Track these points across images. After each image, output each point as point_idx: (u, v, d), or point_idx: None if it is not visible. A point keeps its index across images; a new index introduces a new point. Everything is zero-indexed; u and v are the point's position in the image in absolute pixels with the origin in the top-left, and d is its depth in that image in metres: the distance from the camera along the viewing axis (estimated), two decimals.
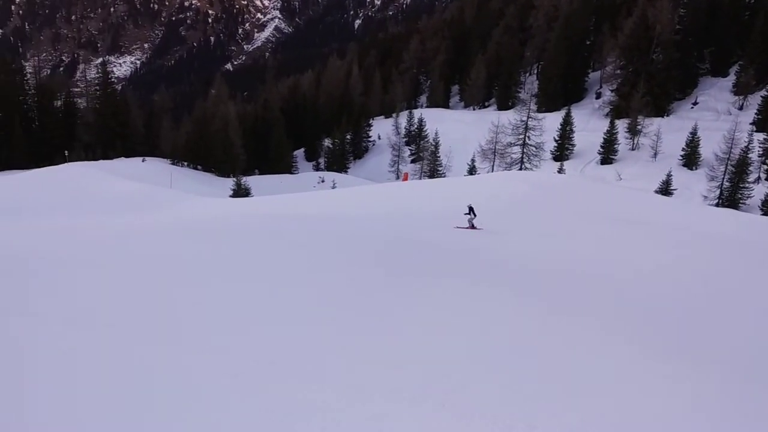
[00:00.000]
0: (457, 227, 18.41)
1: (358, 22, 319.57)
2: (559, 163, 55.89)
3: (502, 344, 8.26)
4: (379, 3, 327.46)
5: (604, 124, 60.47)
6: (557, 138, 60.63)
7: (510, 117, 58.12)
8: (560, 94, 77.60)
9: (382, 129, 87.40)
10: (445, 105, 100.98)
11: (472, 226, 18.49)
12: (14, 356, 6.82)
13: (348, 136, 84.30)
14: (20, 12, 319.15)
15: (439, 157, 64.13)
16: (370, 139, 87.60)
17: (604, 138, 57.22)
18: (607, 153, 57.04)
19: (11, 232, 16.35)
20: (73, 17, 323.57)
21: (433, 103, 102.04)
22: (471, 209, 18.58)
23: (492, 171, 54.82)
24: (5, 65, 72.07)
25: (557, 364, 7.58)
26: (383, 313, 9.30)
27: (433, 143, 66.39)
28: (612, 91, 71.44)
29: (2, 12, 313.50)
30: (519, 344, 8.28)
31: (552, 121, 59.96)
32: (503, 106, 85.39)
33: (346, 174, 74.79)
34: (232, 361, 6.93)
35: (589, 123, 68.07)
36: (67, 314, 8.32)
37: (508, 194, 22.98)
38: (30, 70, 78.00)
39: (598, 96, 76.10)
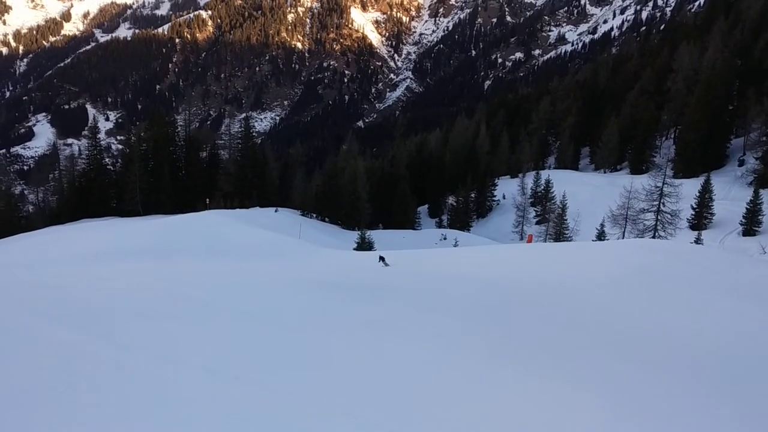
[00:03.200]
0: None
1: (487, 83, 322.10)
2: (696, 233, 52.67)
3: None
4: (509, 65, 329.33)
5: (747, 194, 56.52)
6: (695, 206, 57.35)
7: (644, 182, 55.61)
8: (699, 160, 73.71)
9: (507, 189, 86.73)
10: (574, 167, 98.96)
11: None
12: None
13: (472, 195, 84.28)
14: (176, 70, 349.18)
15: (566, 220, 62.36)
16: (494, 198, 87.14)
17: (746, 208, 53.39)
18: (750, 224, 53.10)
19: (153, 273, 17.62)
20: (222, 75, 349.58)
21: (561, 165, 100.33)
22: (382, 258, 24.22)
23: (623, 237, 52.60)
24: (160, 118, 78.40)
25: None
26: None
27: (560, 205, 64.76)
28: (756, 158, 66.96)
29: (161, 70, 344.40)
30: None
31: (689, 187, 56.88)
32: (637, 170, 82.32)
33: (469, 233, 74.39)
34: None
35: (731, 191, 64.07)
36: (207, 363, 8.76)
37: (640, 263, 21.86)
38: (181, 123, 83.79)
39: (741, 163, 71.63)
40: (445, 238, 64.00)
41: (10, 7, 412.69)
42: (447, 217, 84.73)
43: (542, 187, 79.03)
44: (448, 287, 17.62)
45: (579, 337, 12.42)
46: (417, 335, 11.39)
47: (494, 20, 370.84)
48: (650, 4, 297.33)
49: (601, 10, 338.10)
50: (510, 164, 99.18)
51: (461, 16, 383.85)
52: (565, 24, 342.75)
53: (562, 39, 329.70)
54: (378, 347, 10.27)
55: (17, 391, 7.04)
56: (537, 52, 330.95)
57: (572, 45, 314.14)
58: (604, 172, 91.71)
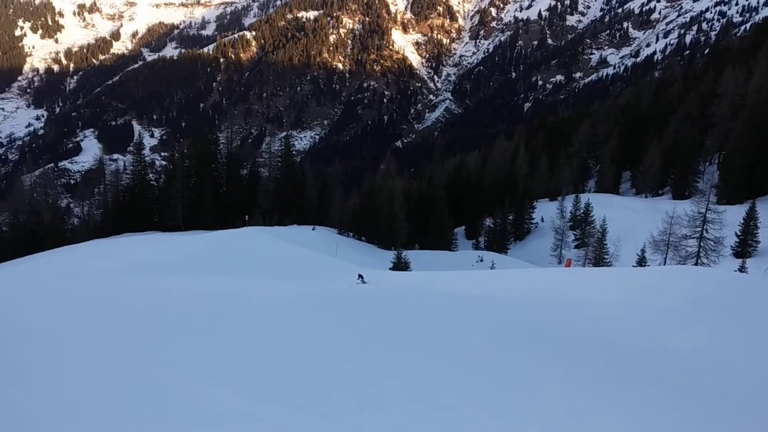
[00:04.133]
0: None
1: (527, 105, 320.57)
2: (740, 261, 51.28)
3: None
4: (550, 87, 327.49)
5: None
6: (739, 233, 55.89)
7: (686, 207, 54.43)
8: (744, 186, 72.04)
9: (545, 212, 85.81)
10: (615, 191, 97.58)
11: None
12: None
13: (510, 217, 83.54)
14: (220, 89, 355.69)
15: (605, 244, 61.29)
16: (532, 221, 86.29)
17: None
18: None
19: (197, 290, 17.85)
20: (264, 95, 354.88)
21: (601, 188, 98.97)
22: (360, 276, 27.14)
23: (664, 263, 51.53)
24: (203, 136, 79.80)
25: None
26: None
27: (600, 230, 63.72)
28: None
29: (205, 89, 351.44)
30: None
31: (733, 214, 55.51)
32: (679, 196, 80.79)
33: (506, 255, 73.66)
34: None
35: None
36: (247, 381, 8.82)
37: (683, 291, 21.35)
38: (223, 141, 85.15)
39: None
40: (481, 260, 63.46)
41: (63, 26, 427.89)
42: (484, 239, 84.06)
43: (582, 211, 77.83)
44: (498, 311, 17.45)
45: (620, 365, 12.17)
46: (449, 357, 11.31)
47: (535, 43, 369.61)
48: (694, 28, 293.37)
49: (644, 33, 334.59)
50: (549, 187, 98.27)
51: (502, 39, 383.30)
52: (606, 47, 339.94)
53: (603, 62, 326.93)
54: (414, 372, 10.23)
55: (46, 403, 7.18)
56: (578, 74, 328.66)
57: (614, 68, 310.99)
58: (646, 197, 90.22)
